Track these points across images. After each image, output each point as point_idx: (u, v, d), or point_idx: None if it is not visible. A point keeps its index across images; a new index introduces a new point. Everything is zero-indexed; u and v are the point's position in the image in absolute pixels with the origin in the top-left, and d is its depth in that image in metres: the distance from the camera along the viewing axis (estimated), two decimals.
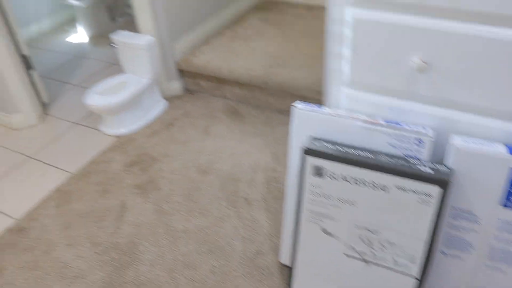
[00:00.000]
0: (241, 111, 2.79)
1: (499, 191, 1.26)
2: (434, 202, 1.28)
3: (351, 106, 1.51)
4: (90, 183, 2.35)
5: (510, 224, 1.30)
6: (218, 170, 2.34)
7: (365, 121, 1.38)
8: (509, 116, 1.24)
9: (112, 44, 2.77)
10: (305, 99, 2.59)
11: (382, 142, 1.38)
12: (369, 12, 1.29)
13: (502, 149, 1.23)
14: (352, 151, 1.36)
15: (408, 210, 1.32)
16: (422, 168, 1.28)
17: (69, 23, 4.43)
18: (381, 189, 1.33)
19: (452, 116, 1.33)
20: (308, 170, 1.41)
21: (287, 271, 1.78)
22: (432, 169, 1.27)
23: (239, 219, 2.03)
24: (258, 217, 2.03)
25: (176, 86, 3.01)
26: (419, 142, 1.33)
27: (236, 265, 1.83)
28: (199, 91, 3.02)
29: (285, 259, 1.75)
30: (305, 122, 1.45)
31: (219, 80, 2.87)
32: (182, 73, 2.99)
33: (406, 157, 1.34)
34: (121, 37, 2.73)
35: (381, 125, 1.37)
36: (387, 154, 1.35)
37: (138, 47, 2.64)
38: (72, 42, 4.06)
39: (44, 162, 2.58)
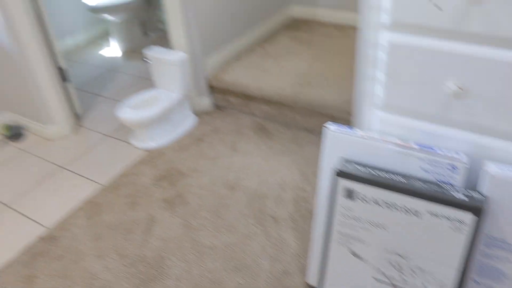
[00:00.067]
0: (269, 129, 2.81)
1: None
2: (467, 230, 1.26)
3: (383, 129, 1.51)
4: (120, 195, 2.39)
5: None
6: (246, 186, 2.35)
7: (398, 145, 1.38)
8: None
9: (145, 59, 2.83)
10: (334, 118, 2.59)
11: (414, 167, 1.37)
12: (405, 37, 1.30)
13: None
14: (384, 174, 1.36)
15: (440, 236, 1.31)
16: (456, 195, 1.27)
17: (103, 37, 4.55)
18: (413, 214, 1.32)
19: (487, 143, 1.32)
20: (340, 192, 1.41)
21: None
22: (466, 195, 1.26)
23: (266, 238, 2.03)
24: (285, 236, 2.03)
25: (206, 101, 3.05)
26: (453, 167, 1.32)
27: (263, 284, 1.83)
28: (228, 107, 3.06)
29: (313, 280, 1.74)
30: (337, 143, 1.46)
31: (248, 97, 2.90)
32: (212, 89, 3.03)
33: (439, 183, 1.33)
34: (154, 52, 2.79)
35: (414, 149, 1.36)
36: (419, 179, 1.34)
37: (170, 63, 2.70)
38: (105, 56, 4.17)
39: (75, 173, 2.64)
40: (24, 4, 2.53)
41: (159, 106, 2.65)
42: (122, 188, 2.45)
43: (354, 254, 1.48)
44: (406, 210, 1.33)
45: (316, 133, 2.71)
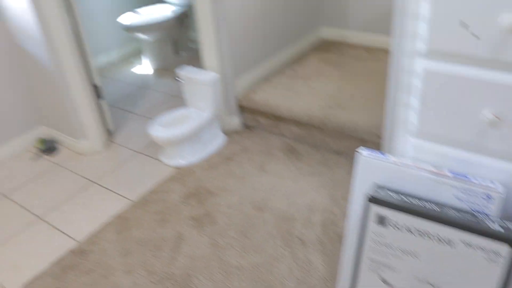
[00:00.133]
0: (298, 150, 2.81)
1: None
2: (502, 262, 1.24)
3: (416, 155, 1.50)
4: (149, 212, 2.43)
5: None
6: (274, 207, 2.36)
7: (431, 172, 1.37)
8: None
9: (177, 78, 2.89)
10: (363, 141, 2.58)
11: (448, 195, 1.36)
12: (441, 65, 1.30)
13: None
14: (417, 202, 1.35)
15: (474, 267, 1.29)
16: (491, 225, 1.25)
17: (135, 55, 4.66)
18: (446, 243, 1.30)
19: None
20: (371, 218, 1.40)
21: None
22: (502, 226, 1.24)
23: (293, 260, 2.03)
24: (313, 259, 2.02)
25: (235, 121, 3.08)
26: (488, 197, 1.30)
27: None
28: (258, 128, 3.08)
29: None
30: (369, 168, 1.46)
31: (278, 118, 2.92)
32: (242, 109, 3.07)
33: (473, 212, 1.31)
34: (186, 72, 2.85)
35: (448, 177, 1.35)
36: (453, 208, 1.33)
37: (202, 83, 2.75)
38: (137, 73, 4.26)
39: (106, 188, 2.69)
40: (64, 22, 2.63)
41: (189, 125, 2.69)
42: (151, 205, 2.48)
43: (384, 281, 1.47)
44: (439, 239, 1.31)
45: (346, 156, 2.71)
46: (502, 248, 1.22)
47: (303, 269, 1.98)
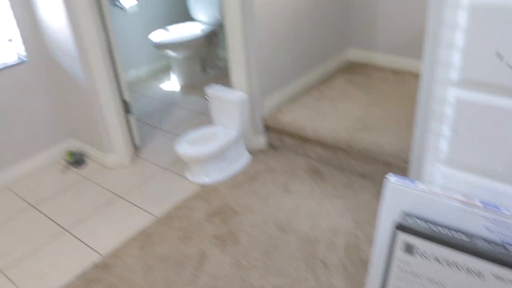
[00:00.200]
0: (323, 172, 2.81)
1: None
2: None
3: (445, 184, 1.49)
4: (173, 228, 2.45)
5: None
6: (297, 229, 2.35)
7: (461, 202, 1.35)
8: None
9: (205, 96, 2.93)
10: (389, 165, 2.57)
11: (478, 225, 1.34)
12: (474, 94, 1.29)
13: None
14: (446, 231, 1.34)
15: None
16: None
17: (164, 71, 4.74)
18: (476, 275, 1.28)
19: None
20: (399, 246, 1.39)
21: None
22: None
23: (316, 283, 2.01)
24: (335, 283, 2.00)
25: (261, 140, 3.10)
26: None
27: None
28: (283, 147, 3.09)
29: None
30: (397, 195, 1.45)
31: (303, 139, 2.93)
32: (268, 128, 3.08)
33: (504, 244, 1.29)
34: (214, 91, 2.88)
35: (478, 207, 1.33)
36: (483, 239, 1.31)
37: (230, 102, 2.78)
38: (164, 89, 4.33)
39: (131, 202, 2.72)
40: (99, 38, 2.70)
41: (216, 143, 2.72)
42: (175, 221, 2.50)
43: None
44: (468, 270, 1.29)
45: (371, 179, 2.69)
46: None
47: None
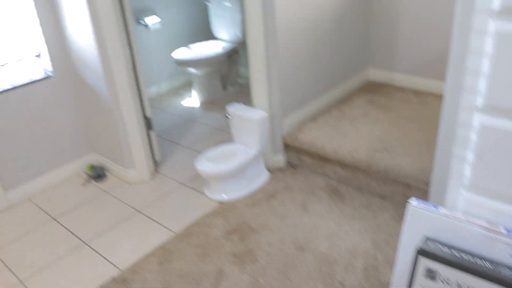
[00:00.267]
0: (342, 192, 2.80)
1: None
2: None
3: (468, 209, 1.47)
4: (191, 245, 2.46)
5: None
6: (315, 248, 2.34)
7: (485, 228, 1.34)
8: None
9: (226, 115, 2.96)
10: (409, 187, 2.55)
11: (502, 252, 1.32)
12: (498, 120, 1.29)
13: None
14: (469, 258, 1.32)
15: None
16: None
17: (184, 88, 4.80)
18: None
19: None
20: (420, 271, 1.38)
21: None
22: None
23: None
24: None
25: (280, 159, 3.11)
26: None
27: None
28: (302, 166, 3.09)
29: None
30: (419, 220, 1.44)
31: (322, 158, 2.93)
32: (287, 147, 3.10)
33: None
34: (235, 109, 2.91)
35: (502, 234, 1.32)
36: (508, 266, 1.29)
37: (251, 121, 2.80)
38: (185, 106, 4.38)
39: (150, 218, 2.75)
40: (125, 56, 2.75)
41: (236, 161, 2.74)
42: (193, 238, 2.51)
43: None
44: None
45: (390, 200, 2.67)
46: None
47: None
